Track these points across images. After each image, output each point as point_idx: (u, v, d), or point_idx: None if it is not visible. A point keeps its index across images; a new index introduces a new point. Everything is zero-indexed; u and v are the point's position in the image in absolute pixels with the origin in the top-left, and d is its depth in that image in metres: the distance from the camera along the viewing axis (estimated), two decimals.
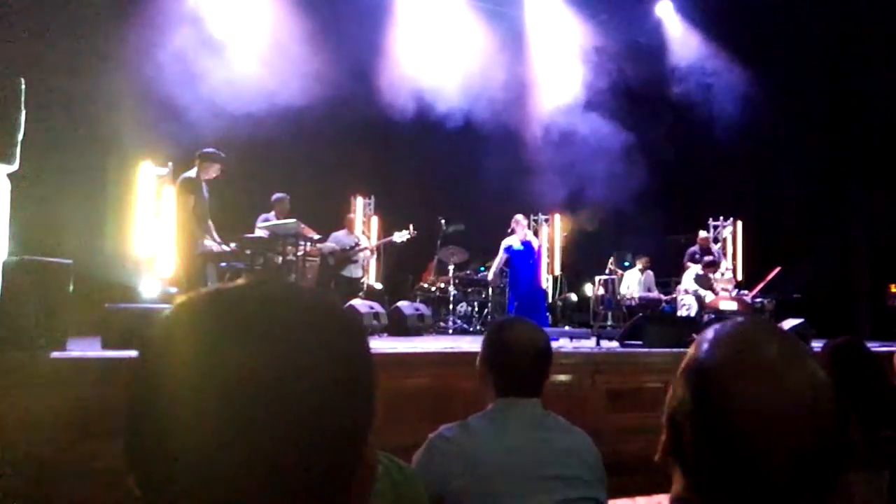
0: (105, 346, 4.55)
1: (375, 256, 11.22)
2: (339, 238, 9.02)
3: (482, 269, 10.76)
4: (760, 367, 0.84)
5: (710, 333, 0.90)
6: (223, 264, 6.73)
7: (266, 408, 0.54)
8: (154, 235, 8.43)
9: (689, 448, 0.86)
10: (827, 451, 0.82)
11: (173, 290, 7.82)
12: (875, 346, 6.54)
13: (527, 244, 9.09)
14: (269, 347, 0.56)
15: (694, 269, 9.82)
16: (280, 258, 6.80)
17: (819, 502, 0.83)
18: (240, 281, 0.63)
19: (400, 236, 9.17)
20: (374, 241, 10.65)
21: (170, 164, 8.51)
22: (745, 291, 9.77)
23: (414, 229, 9.16)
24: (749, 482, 0.82)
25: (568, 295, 12.14)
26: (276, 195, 7.98)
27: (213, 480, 0.54)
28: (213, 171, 6.66)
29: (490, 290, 10.31)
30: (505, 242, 9.07)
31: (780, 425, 0.81)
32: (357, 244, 9.13)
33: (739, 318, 0.96)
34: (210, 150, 6.71)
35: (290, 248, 6.79)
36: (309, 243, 7.23)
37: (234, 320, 0.57)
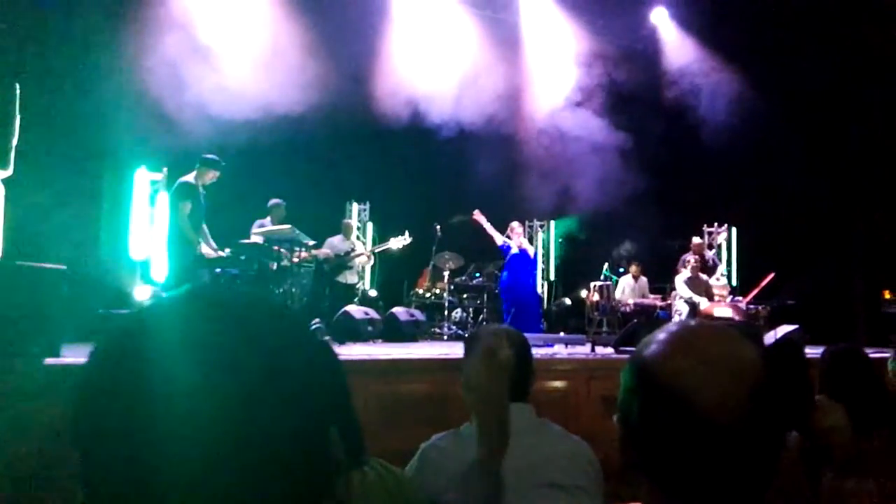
0: None
1: (371, 262, 11.22)
2: (334, 244, 9.02)
3: (477, 274, 10.76)
4: (690, 348, 0.93)
5: (656, 334, 0.99)
6: (217, 270, 6.71)
7: (238, 415, 0.53)
8: (148, 241, 8.41)
9: (641, 437, 0.93)
10: (758, 410, 0.88)
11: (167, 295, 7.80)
12: (870, 353, 6.56)
13: (523, 251, 9.13)
14: (236, 352, 0.55)
15: (684, 274, 9.83)
16: (275, 264, 6.78)
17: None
18: (202, 288, 0.62)
19: (396, 242, 9.16)
20: (369, 247, 10.66)
21: (165, 169, 8.51)
22: (740, 298, 9.79)
23: (409, 236, 9.16)
24: (695, 448, 0.88)
25: (562, 299, 12.14)
26: (273, 201, 8.00)
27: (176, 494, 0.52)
28: (210, 177, 6.67)
29: (485, 295, 10.31)
30: (501, 240, 9.11)
31: (707, 385, 0.88)
32: (353, 250, 9.12)
33: (688, 320, 1.03)
34: (212, 156, 6.73)
35: (284, 253, 6.77)
36: (304, 249, 7.22)
37: (200, 324, 0.57)
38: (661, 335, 0.97)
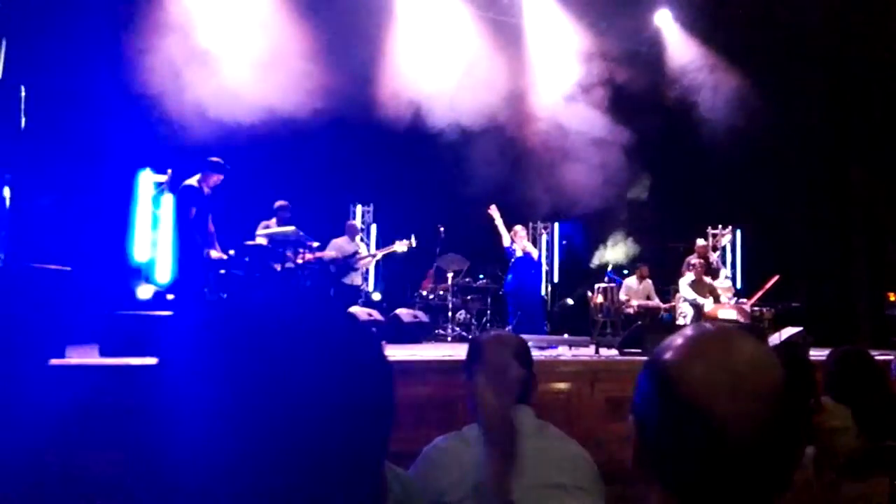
0: (103, 353, 4.54)
1: (374, 264, 11.23)
2: (340, 245, 9.02)
3: (481, 276, 10.76)
4: (710, 355, 0.91)
5: (676, 337, 0.97)
6: (222, 271, 6.73)
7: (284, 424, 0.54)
8: (153, 242, 8.43)
9: (656, 442, 0.92)
10: (779, 418, 0.88)
11: (172, 296, 7.82)
12: (874, 355, 6.55)
13: (527, 254, 9.14)
14: (287, 364, 0.56)
15: (688, 277, 9.82)
16: (279, 265, 6.80)
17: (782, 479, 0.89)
18: (250, 293, 0.63)
19: (401, 245, 9.18)
20: (372, 249, 10.68)
21: (169, 171, 8.53)
22: (745, 300, 9.76)
23: (415, 239, 9.18)
24: (713, 454, 0.86)
25: (565, 300, 12.13)
26: (278, 203, 8.01)
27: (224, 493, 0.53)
28: (214, 180, 6.68)
29: (489, 297, 10.31)
30: (508, 242, 9.14)
31: (730, 396, 0.87)
32: (358, 251, 9.14)
33: (702, 324, 1.01)
34: (216, 159, 6.74)
35: (288, 255, 6.79)
36: (307, 251, 7.23)
37: (247, 334, 0.57)
38: (679, 339, 0.95)
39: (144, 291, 8.06)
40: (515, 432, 1.38)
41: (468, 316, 10.27)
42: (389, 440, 0.64)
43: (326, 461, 0.55)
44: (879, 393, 2.59)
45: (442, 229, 9.93)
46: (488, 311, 10.26)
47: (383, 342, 0.69)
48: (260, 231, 7.58)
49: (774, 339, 8.02)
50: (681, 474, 0.90)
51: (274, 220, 7.84)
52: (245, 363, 0.55)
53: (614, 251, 11.47)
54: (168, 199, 8.49)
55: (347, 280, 8.97)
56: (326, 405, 0.56)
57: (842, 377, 2.62)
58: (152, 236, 8.44)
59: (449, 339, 9.32)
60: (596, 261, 11.72)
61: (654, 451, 0.93)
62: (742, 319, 8.99)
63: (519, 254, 9.11)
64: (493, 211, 9.14)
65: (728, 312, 9.08)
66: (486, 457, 1.38)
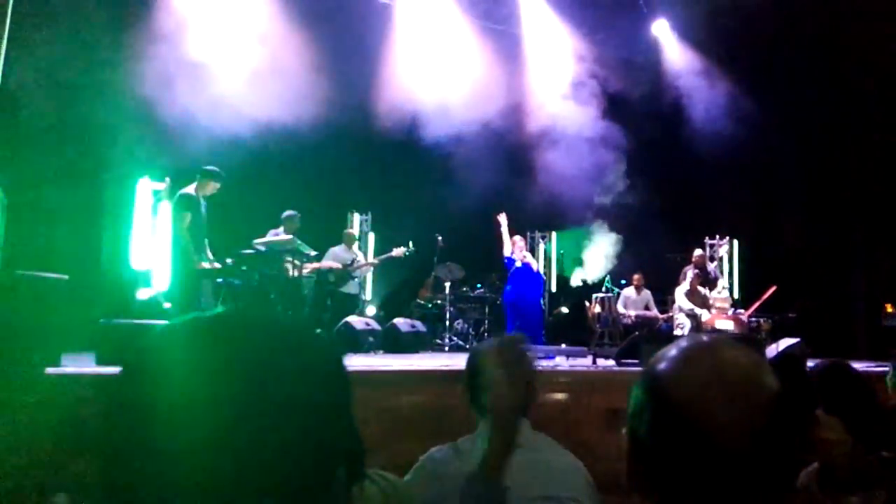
0: (99, 361, 4.53)
1: (371, 273, 11.22)
2: (337, 254, 9.01)
3: (479, 285, 10.75)
4: (703, 367, 0.91)
5: (670, 348, 0.97)
6: (219, 280, 6.72)
7: (248, 433, 0.57)
8: (150, 250, 8.42)
9: (649, 453, 0.92)
10: (772, 428, 0.88)
11: (168, 305, 7.81)
12: (870, 366, 6.55)
13: (526, 265, 9.16)
14: (248, 375, 0.59)
15: (684, 286, 9.83)
16: (277, 274, 6.79)
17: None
18: (220, 309, 0.67)
19: (398, 251, 9.20)
20: (370, 258, 10.67)
21: (167, 179, 8.53)
22: (742, 310, 9.77)
23: (413, 247, 9.19)
24: (707, 465, 0.87)
25: (560, 308, 12.12)
26: (287, 213, 7.97)
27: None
28: (211, 188, 6.67)
29: (487, 307, 10.30)
30: (509, 251, 9.16)
31: (722, 407, 0.87)
32: (356, 260, 9.13)
33: (699, 335, 1.01)
34: (212, 168, 6.72)
35: (286, 264, 6.77)
36: (305, 260, 7.22)
37: (215, 349, 0.61)
38: (673, 351, 0.96)
39: (142, 299, 8.06)
40: (520, 423, 1.38)
41: (466, 326, 10.26)
42: (348, 443, 0.68)
43: (282, 461, 0.58)
44: (865, 404, 2.59)
45: (440, 238, 9.93)
46: (486, 321, 10.25)
47: (341, 352, 0.72)
48: (258, 240, 7.55)
49: (772, 349, 8.02)
50: (675, 485, 0.90)
51: (282, 229, 7.82)
52: (210, 372, 0.59)
53: (591, 269, 11.46)
54: (166, 208, 8.49)
55: (346, 289, 8.95)
56: (282, 406, 0.59)
57: (826, 390, 2.62)
58: (151, 244, 8.44)
59: (446, 348, 9.30)
60: (575, 280, 11.75)
61: (648, 462, 0.93)
62: (739, 330, 9.00)
63: (518, 264, 9.13)
64: (502, 218, 9.18)
65: (725, 323, 9.09)
66: (488, 442, 1.39)
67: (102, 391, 3.59)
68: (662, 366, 0.94)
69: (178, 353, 0.61)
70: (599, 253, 11.60)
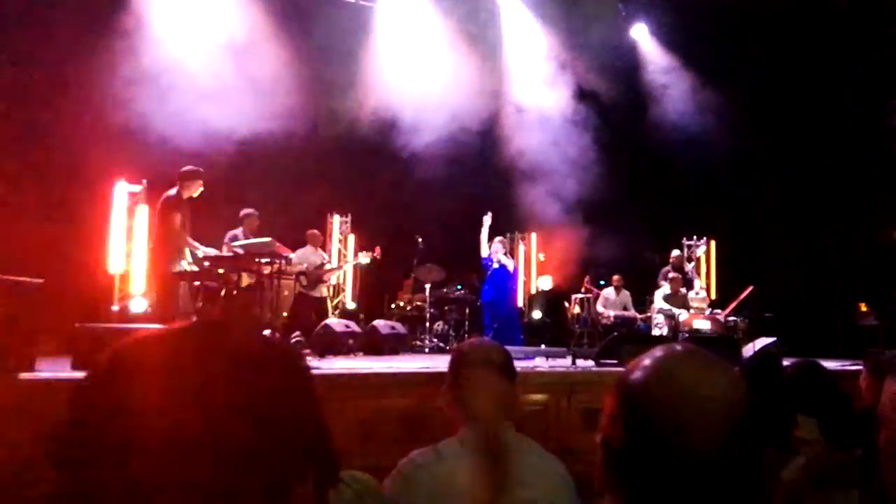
0: (75, 366, 4.48)
1: (351, 275, 11.19)
2: (306, 256, 8.77)
3: (459, 286, 10.76)
4: (675, 377, 0.93)
5: (644, 358, 0.99)
6: (196, 283, 6.66)
7: (211, 441, 0.59)
8: (127, 253, 8.34)
9: (621, 461, 0.94)
10: (740, 442, 0.90)
11: (146, 308, 7.75)
12: (845, 365, 6.65)
13: (503, 266, 9.18)
14: (212, 385, 0.61)
15: (664, 289, 9.91)
16: (254, 277, 6.73)
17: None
18: (178, 327, 0.68)
19: (364, 257, 9.16)
20: (350, 259, 10.65)
21: (144, 181, 8.45)
22: (719, 310, 9.86)
23: (381, 251, 9.12)
24: (676, 475, 0.89)
25: (532, 313, 12.14)
26: (245, 210, 7.81)
27: None
28: (196, 189, 6.60)
29: (467, 308, 10.31)
30: (486, 253, 9.18)
31: (693, 420, 0.89)
32: (325, 262, 9.01)
33: (672, 345, 1.02)
34: (190, 168, 6.65)
35: (264, 267, 6.71)
36: (284, 262, 7.17)
37: (174, 366, 0.62)
38: (646, 361, 0.97)
39: (119, 303, 7.99)
40: (503, 447, 1.37)
41: (446, 327, 10.25)
42: (318, 448, 0.70)
43: (247, 467, 0.60)
44: (838, 403, 2.63)
45: (420, 239, 9.92)
46: (466, 322, 10.25)
47: (304, 360, 0.74)
48: (228, 241, 7.45)
49: (748, 349, 8.12)
50: (644, 492, 0.92)
51: (241, 230, 7.67)
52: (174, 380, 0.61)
53: (590, 262, 11.51)
54: (143, 211, 8.42)
55: (316, 292, 8.77)
56: (246, 415, 0.61)
57: (799, 391, 2.66)
58: (127, 247, 8.36)
59: (426, 350, 9.30)
60: (573, 272, 11.76)
61: (618, 468, 0.94)
62: (716, 330, 9.09)
63: (496, 265, 9.15)
64: (486, 218, 9.17)
65: (702, 323, 9.17)
66: (475, 471, 1.39)
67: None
68: (636, 375, 0.96)
69: (144, 361, 0.63)
70: (564, 256, 11.70)
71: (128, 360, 0.63)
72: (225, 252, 6.81)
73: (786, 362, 3.23)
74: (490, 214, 9.20)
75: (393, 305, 10.87)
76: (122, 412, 0.59)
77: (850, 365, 6.54)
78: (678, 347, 1.00)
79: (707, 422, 0.88)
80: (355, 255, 10.39)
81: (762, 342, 8.38)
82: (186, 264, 6.47)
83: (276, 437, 0.62)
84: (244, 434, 0.60)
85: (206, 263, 6.48)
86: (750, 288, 9.87)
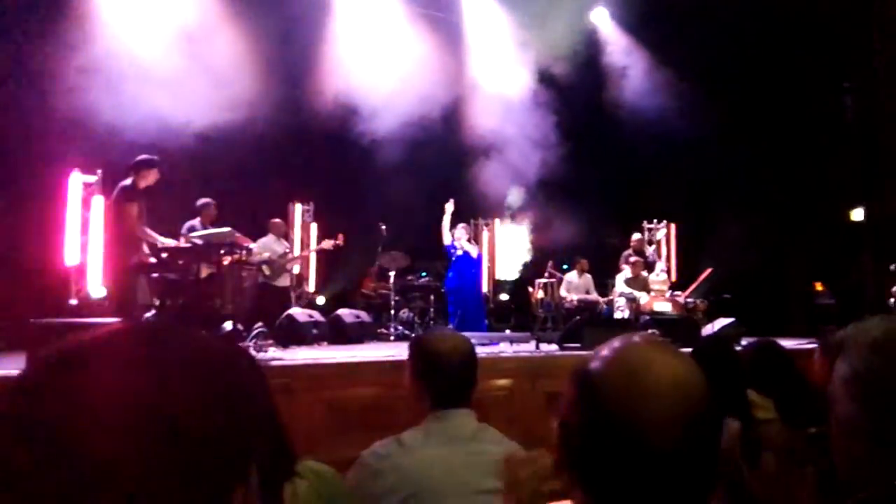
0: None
1: (315, 264, 11.11)
2: (268, 245, 8.68)
3: (423, 273, 10.76)
4: (632, 367, 0.94)
5: (603, 348, 1.00)
6: (155, 275, 6.53)
7: (154, 439, 0.58)
8: (83, 246, 8.16)
9: (579, 447, 0.95)
10: (699, 434, 0.92)
11: (103, 301, 7.60)
12: (802, 344, 6.82)
13: (466, 252, 9.21)
14: (157, 384, 0.60)
15: (625, 273, 10.04)
16: (215, 268, 6.63)
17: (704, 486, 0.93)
18: (125, 324, 0.68)
19: (328, 243, 9.12)
20: (313, 246, 10.57)
21: (99, 171, 8.26)
22: (679, 292, 10.03)
23: (344, 239, 9.08)
24: (632, 464, 0.90)
25: (499, 296, 12.22)
26: (202, 200, 7.65)
27: None
28: (151, 178, 6.45)
29: (431, 295, 10.31)
30: (449, 240, 9.19)
31: (650, 411, 0.90)
32: (288, 251, 8.96)
33: (632, 335, 1.03)
34: (146, 156, 6.50)
35: (224, 257, 6.61)
36: (245, 252, 7.07)
37: (119, 367, 0.61)
38: (605, 351, 0.98)
39: (75, 297, 7.82)
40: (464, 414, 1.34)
41: (411, 314, 10.25)
42: (269, 445, 0.70)
43: (191, 465, 0.59)
44: (794, 382, 2.69)
45: (383, 227, 9.88)
46: (431, 310, 10.26)
47: (251, 358, 0.74)
48: (185, 231, 7.30)
49: (707, 329, 8.28)
50: (600, 481, 0.93)
51: (198, 220, 7.53)
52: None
53: (552, 246, 11.58)
54: (98, 201, 8.23)
55: (280, 282, 8.74)
56: (191, 412, 0.61)
57: (757, 370, 2.72)
58: (83, 239, 8.17)
59: (392, 338, 9.28)
60: (535, 256, 11.85)
61: (575, 456, 0.95)
62: (676, 311, 9.24)
63: (459, 252, 9.18)
64: (448, 206, 9.17)
65: (663, 305, 9.32)
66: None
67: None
68: (594, 364, 0.97)
69: (87, 362, 0.62)
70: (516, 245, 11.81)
71: (70, 360, 0.62)
72: (182, 243, 6.67)
73: (744, 342, 3.30)
74: (452, 202, 9.20)
75: (357, 294, 10.82)
76: (62, 414, 0.58)
77: (807, 344, 6.71)
78: (637, 338, 1.01)
79: (664, 413, 0.89)
80: (318, 242, 10.32)
81: (721, 323, 8.55)
82: (144, 256, 6.35)
83: (225, 437, 0.62)
84: (190, 434, 0.59)
85: (165, 255, 6.36)
86: (709, 270, 10.05)
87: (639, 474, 0.89)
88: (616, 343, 0.99)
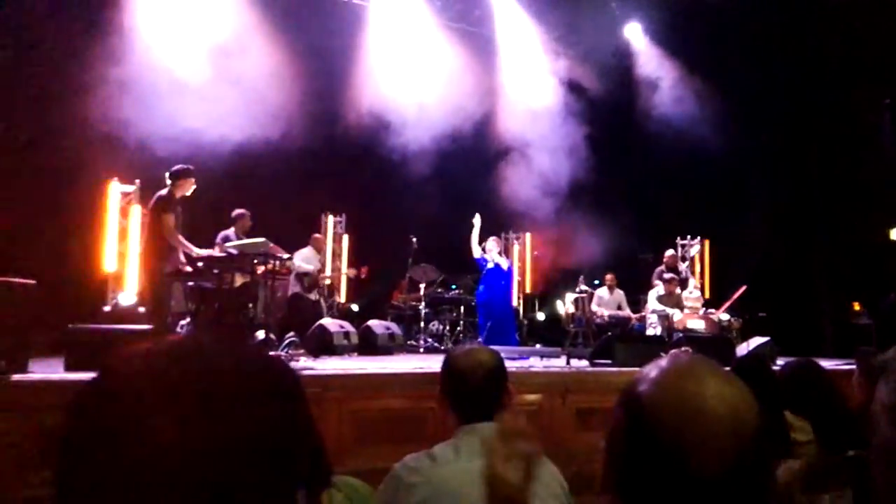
0: (68, 367, 4.46)
1: (345, 279, 11.23)
2: (308, 257, 8.89)
3: (454, 286, 10.76)
4: (685, 392, 0.90)
5: (651, 368, 0.96)
6: (190, 284, 6.63)
7: (196, 472, 0.58)
8: (121, 253, 8.32)
9: (625, 472, 0.93)
10: (750, 464, 0.88)
11: (140, 309, 7.72)
12: (838, 364, 6.67)
13: (497, 265, 9.20)
14: (198, 414, 0.60)
15: (658, 289, 9.92)
16: (249, 277, 6.70)
17: None
18: (172, 340, 0.67)
19: (350, 272, 9.64)
20: (345, 259, 10.74)
21: (137, 181, 8.42)
22: (713, 310, 9.87)
23: (367, 272, 9.47)
24: (681, 495, 0.87)
25: (534, 314, 12.18)
26: (237, 211, 7.77)
27: None
28: (188, 188, 6.56)
29: (462, 308, 10.30)
30: (479, 253, 9.20)
31: (702, 441, 0.87)
32: (322, 267, 9.15)
33: (680, 354, 1.00)
34: (181, 166, 6.60)
35: (258, 267, 6.68)
36: (279, 262, 7.14)
37: (164, 387, 0.61)
38: (654, 372, 0.95)
39: (111, 303, 7.95)
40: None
41: (441, 327, 10.23)
42: (306, 457, 0.71)
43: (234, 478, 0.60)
44: (832, 404, 2.62)
45: (414, 240, 9.91)
46: (461, 322, 10.24)
47: (291, 371, 0.74)
48: (221, 241, 7.40)
49: (742, 348, 8.13)
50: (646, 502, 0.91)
51: (233, 230, 7.64)
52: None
53: (585, 261, 11.51)
54: (136, 211, 8.40)
55: (313, 296, 8.91)
56: (231, 424, 0.61)
57: (795, 391, 2.65)
58: (120, 247, 8.33)
59: (421, 350, 9.28)
60: (568, 271, 11.78)
61: (621, 478, 0.93)
62: (710, 329, 9.09)
63: (490, 265, 9.17)
64: (477, 220, 9.18)
65: (696, 322, 9.17)
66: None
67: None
68: (643, 388, 0.93)
69: (136, 377, 0.63)
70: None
71: (121, 375, 0.63)
72: (217, 252, 6.76)
73: (780, 361, 3.23)
74: (479, 216, 9.21)
75: (388, 305, 10.85)
76: (115, 428, 0.59)
77: (844, 364, 6.56)
78: (685, 358, 0.97)
79: (717, 442, 0.86)
80: (348, 266, 10.59)
81: (756, 342, 8.40)
82: (180, 264, 6.44)
83: (266, 448, 0.62)
84: (234, 445, 0.60)
85: (200, 263, 6.44)
86: (744, 287, 9.88)
87: (683, 499, 0.87)
88: (664, 363, 0.96)
